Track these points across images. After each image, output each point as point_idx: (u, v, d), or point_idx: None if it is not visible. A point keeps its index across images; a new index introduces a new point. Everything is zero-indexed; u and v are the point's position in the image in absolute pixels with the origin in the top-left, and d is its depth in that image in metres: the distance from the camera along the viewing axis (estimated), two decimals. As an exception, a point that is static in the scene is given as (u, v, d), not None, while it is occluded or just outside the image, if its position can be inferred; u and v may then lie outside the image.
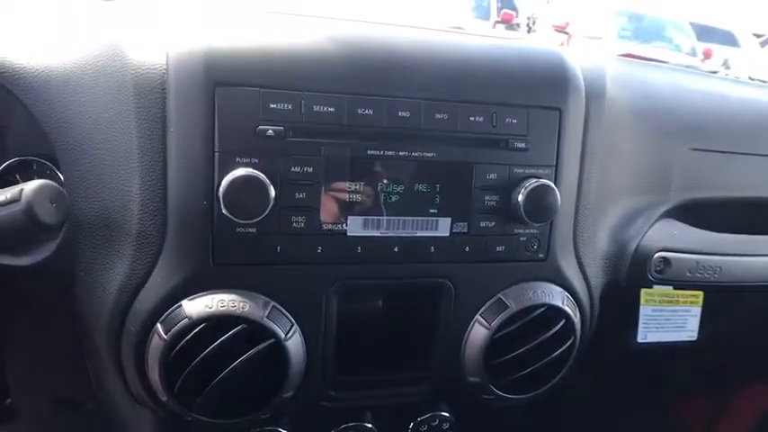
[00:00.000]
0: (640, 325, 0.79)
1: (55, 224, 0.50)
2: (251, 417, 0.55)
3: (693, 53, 5.39)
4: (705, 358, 0.89)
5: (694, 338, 0.80)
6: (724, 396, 1.05)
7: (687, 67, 1.24)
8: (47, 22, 0.61)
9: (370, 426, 0.68)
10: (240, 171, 0.50)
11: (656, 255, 0.69)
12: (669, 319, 0.80)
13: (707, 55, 5.18)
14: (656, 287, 0.76)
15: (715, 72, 1.20)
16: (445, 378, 0.62)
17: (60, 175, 0.57)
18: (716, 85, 0.81)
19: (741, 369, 0.99)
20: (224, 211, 0.50)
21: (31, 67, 0.55)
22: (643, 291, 0.76)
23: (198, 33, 0.52)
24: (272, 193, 0.50)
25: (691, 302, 0.81)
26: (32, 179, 0.58)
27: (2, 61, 0.54)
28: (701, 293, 0.78)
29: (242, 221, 0.50)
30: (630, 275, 0.69)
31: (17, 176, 0.66)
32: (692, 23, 5.52)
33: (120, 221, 0.53)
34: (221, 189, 0.49)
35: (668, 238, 0.69)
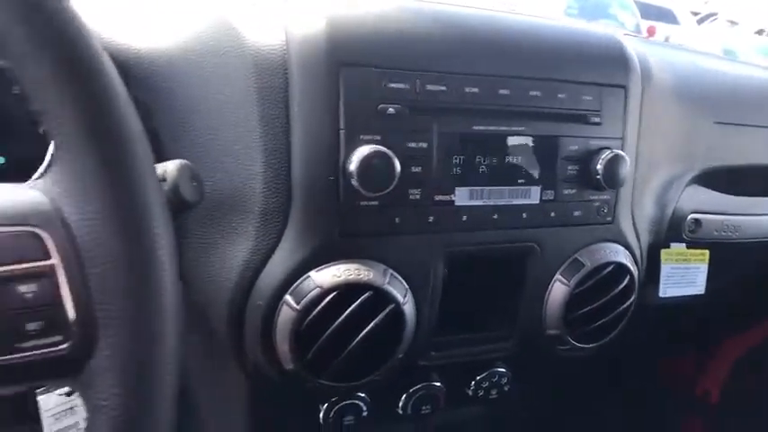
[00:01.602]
0: (661, 281, 0.88)
1: (195, 203, 0.52)
2: (367, 379, 0.59)
3: (638, 30, 5.62)
4: (708, 310, 1.01)
5: (702, 292, 0.90)
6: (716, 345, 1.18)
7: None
8: (154, 2, 0.61)
9: (438, 384, 0.74)
10: (369, 147, 0.53)
11: (689, 216, 0.78)
12: (684, 276, 0.90)
13: (650, 32, 5.36)
14: (673, 246, 0.86)
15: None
16: (527, 333, 0.68)
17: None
18: (725, 65, 0.91)
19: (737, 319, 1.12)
20: (356, 185, 0.53)
21: (141, 49, 0.55)
22: (663, 250, 0.85)
23: (316, 13, 0.54)
24: (398, 167, 0.54)
25: (699, 260, 0.92)
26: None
27: (115, 42, 0.54)
28: (707, 252, 0.88)
29: (370, 194, 0.54)
30: (667, 236, 0.78)
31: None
32: (635, 1, 5.73)
33: (241, 201, 0.55)
34: (354, 164, 0.52)
35: (698, 202, 0.78)
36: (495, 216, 0.60)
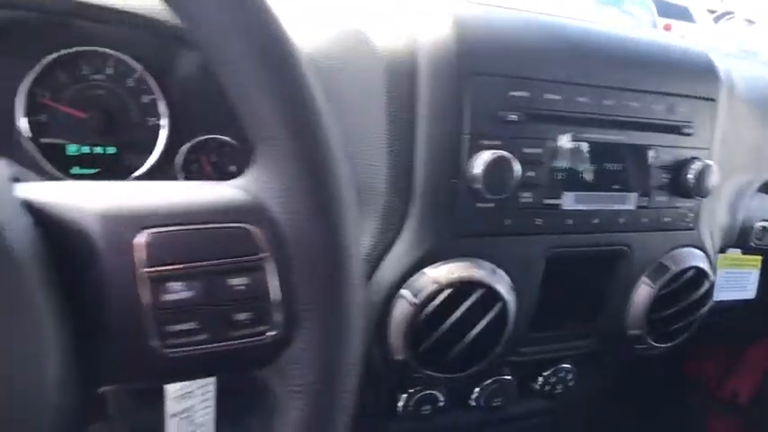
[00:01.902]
0: (716, 285, 0.92)
1: None
2: (468, 371, 0.62)
3: (654, 27, 5.64)
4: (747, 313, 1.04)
5: (752, 297, 0.94)
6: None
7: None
8: (290, 7, 0.63)
9: (509, 378, 0.77)
10: (492, 152, 0.55)
11: (757, 224, 0.81)
12: (737, 280, 0.94)
13: (666, 29, 5.42)
14: (729, 251, 0.90)
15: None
16: (609, 332, 0.71)
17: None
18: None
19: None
20: (478, 188, 0.55)
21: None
22: (720, 255, 0.89)
23: (444, 22, 0.56)
24: (518, 172, 0.56)
25: (752, 266, 0.95)
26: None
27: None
28: (760, 258, 0.92)
29: (491, 197, 0.56)
30: (737, 243, 0.81)
31: (202, 154, 0.68)
32: (651, -2, 5.77)
33: (364, 198, 0.58)
34: (479, 168, 0.55)
35: (764, 210, 0.82)
36: (596, 220, 0.63)
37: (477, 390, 0.77)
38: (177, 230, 0.32)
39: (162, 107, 0.65)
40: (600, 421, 1.05)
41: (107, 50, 0.64)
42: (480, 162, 0.55)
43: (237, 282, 0.34)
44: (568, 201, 0.61)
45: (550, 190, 0.60)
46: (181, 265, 0.31)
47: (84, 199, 0.31)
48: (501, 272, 0.60)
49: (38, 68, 0.62)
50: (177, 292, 0.32)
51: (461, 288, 0.57)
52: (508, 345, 0.64)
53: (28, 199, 0.29)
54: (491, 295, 0.59)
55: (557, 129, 0.59)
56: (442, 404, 0.75)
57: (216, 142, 0.68)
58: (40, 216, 0.29)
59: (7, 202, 0.28)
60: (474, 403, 0.78)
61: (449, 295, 0.57)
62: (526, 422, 0.88)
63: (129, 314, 0.30)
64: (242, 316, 0.34)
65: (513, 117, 0.57)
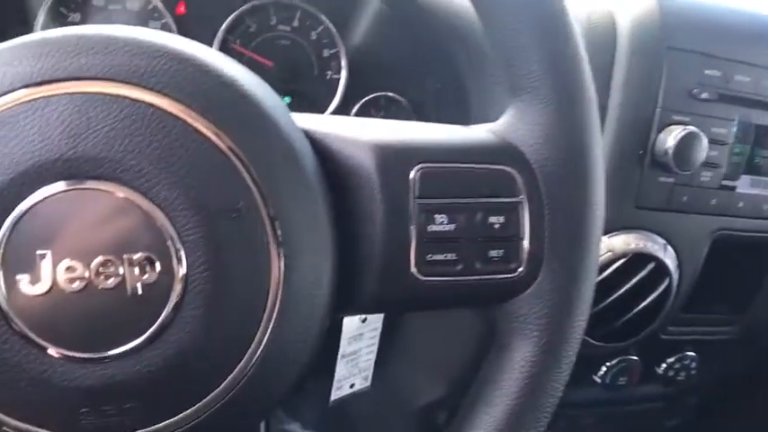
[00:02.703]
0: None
1: None
2: (626, 342, 0.63)
3: None
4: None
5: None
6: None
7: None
8: None
9: (635, 358, 0.78)
10: (682, 128, 0.56)
11: None
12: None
13: None
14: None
15: None
16: (758, 321, 0.71)
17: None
18: None
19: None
20: (667, 162, 0.56)
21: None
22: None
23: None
24: (706, 150, 0.57)
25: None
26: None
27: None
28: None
29: (677, 172, 0.57)
30: None
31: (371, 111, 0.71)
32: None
33: None
34: (671, 142, 0.56)
35: None
36: (765, 206, 0.64)
37: (604, 367, 0.78)
38: (447, 167, 0.34)
39: (344, 61, 0.68)
40: (712, 413, 1.05)
41: (295, 2, 0.66)
42: (671, 137, 0.56)
43: (495, 220, 0.35)
44: (744, 184, 0.62)
45: (729, 171, 0.61)
46: (448, 200, 0.33)
47: (358, 132, 0.32)
48: (670, 248, 0.61)
49: (232, 16, 0.65)
50: (442, 224, 0.34)
51: (633, 259, 0.59)
52: (663, 322, 0.65)
53: (306, 128, 0.31)
54: (660, 270, 0.60)
55: (743, 111, 0.60)
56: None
57: (386, 100, 0.70)
58: (316, 146, 0.31)
59: (296, 132, 0.30)
60: (599, 380, 0.79)
61: (622, 265, 0.58)
62: (638, 406, 0.89)
63: (397, 243, 0.31)
64: (494, 252, 0.35)
65: (705, 95, 0.57)
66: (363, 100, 0.69)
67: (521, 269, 0.35)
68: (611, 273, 0.58)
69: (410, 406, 0.84)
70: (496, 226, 0.35)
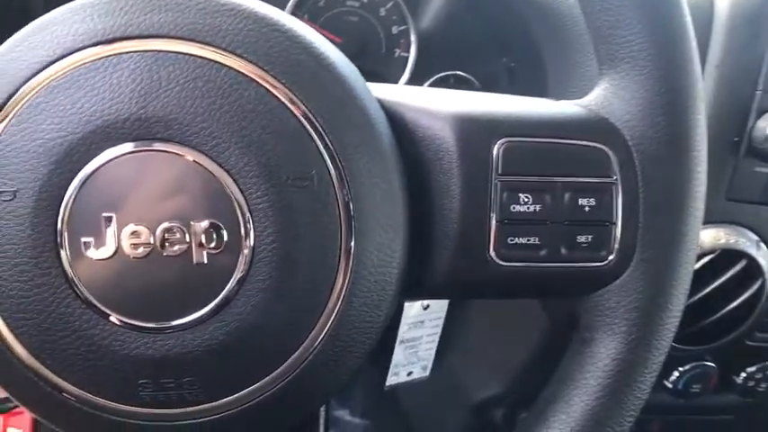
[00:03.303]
0: None
1: None
2: (710, 345, 0.59)
3: None
4: None
5: None
6: None
7: None
8: None
9: (712, 364, 0.72)
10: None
11: None
12: None
13: None
14: None
15: None
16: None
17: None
18: None
19: None
20: (766, 150, 0.51)
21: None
22: None
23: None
24: (813, 138, 0.51)
25: None
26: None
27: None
28: None
29: (778, 162, 0.52)
30: None
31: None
32: None
33: None
34: (772, 129, 0.51)
35: None
36: None
37: (677, 372, 0.73)
38: (534, 142, 0.31)
39: (413, 38, 0.65)
40: None
41: (365, -23, 0.64)
42: (778, 122, 0.51)
43: (585, 202, 0.32)
44: None
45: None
46: (535, 178, 0.30)
47: (437, 103, 0.30)
48: (763, 245, 0.56)
49: (299, -9, 0.63)
50: (526, 204, 0.31)
51: (722, 256, 0.54)
52: (750, 326, 0.60)
53: (381, 98, 0.29)
54: (751, 269, 0.55)
55: None
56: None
57: (456, 79, 0.67)
58: (391, 116, 0.29)
59: (372, 101, 0.28)
60: (670, 385, 0.74)
61: (709, 261, 0.54)
62: (711, 416, 0.84)
63: (474, 223, 0.29)
64: (583, 238, 0.32)
65: (812, 79, 0.52)
66: (432, 79, 0.67)
67: (611, 257, 0.32)
68: (696, 270, 0.54)
69: (467, 400, 0.82)
70: (586, 209, 0.32)
